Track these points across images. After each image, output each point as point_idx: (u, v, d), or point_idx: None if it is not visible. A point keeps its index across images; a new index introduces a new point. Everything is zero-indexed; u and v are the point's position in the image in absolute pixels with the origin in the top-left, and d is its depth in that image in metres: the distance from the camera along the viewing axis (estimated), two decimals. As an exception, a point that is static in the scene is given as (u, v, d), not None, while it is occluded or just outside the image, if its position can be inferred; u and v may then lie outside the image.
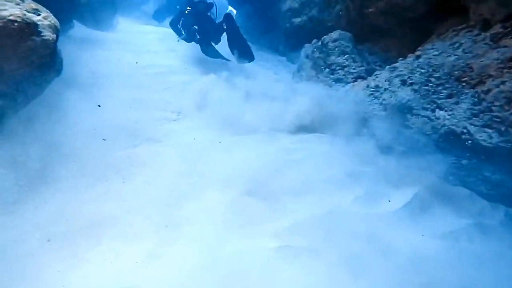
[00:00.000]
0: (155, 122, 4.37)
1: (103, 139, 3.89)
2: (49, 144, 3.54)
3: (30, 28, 2.80)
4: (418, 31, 4.76)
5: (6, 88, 2.84)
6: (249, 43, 11.08)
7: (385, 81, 4.12)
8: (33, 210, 3.12)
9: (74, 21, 9.59)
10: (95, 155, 3.72)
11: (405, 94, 3.80)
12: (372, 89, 4.33)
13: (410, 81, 3.85)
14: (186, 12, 7.21)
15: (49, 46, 3.04)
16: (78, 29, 9.44)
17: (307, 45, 6.19)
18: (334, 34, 5.23)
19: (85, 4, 10.32)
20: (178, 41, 7.52)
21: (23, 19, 2.72)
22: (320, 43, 5.47)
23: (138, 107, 4.58)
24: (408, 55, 4.23)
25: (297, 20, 7.32)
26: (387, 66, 4.47)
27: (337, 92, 4.82)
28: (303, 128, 4.42)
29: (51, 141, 3.58)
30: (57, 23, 3.22)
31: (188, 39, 7.37)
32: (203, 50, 7.23)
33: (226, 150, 4.03)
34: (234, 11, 14.57)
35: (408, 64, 4.05)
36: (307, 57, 5.87)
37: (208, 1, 7.28)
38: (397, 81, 3.93)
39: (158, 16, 10.18)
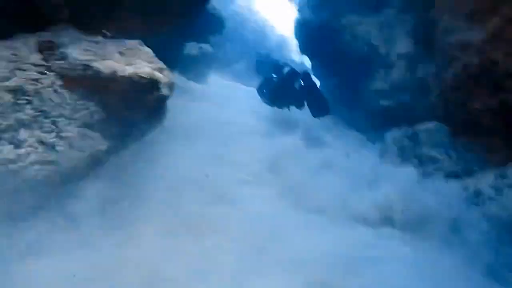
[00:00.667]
0: (230, 182, 4.34)
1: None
2: (134, 188, 3.64)
3: (155, 85, 3.20)
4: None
5: (119, 131, 3.13)
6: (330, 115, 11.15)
7: (491, 187, 3.63)
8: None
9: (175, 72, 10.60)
10: (171, 206, 3.73)
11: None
12: (471, 194, 3.84)
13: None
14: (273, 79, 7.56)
15: (163, 100, 3.55)
16: (179, 79, 10.39)
17: (394, 129, 5.92)
18: (430, 124, 4.93)
19: (186, 58, 11.46)
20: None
21: (151, 77, 3.15)
22: (411, 130, 5.16)
23: (217, 163, 4.63)
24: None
25: (385, 102, 7.15)
26: (493, 170, 3.98)
27: (426, 187, 4.38)
28: (385, 221, 4.01)
29: (137, 185, 3.68)
30: (174, 82, 3.69)
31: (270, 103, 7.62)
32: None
33: (299, 229, 3.77)
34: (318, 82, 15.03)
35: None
36: (393, 142, 5.56)
37: (293, 70, 7.41)
38: (510, 192, 3.44)
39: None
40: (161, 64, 3.54)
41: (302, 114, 9.45)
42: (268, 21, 18.00)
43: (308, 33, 9.96)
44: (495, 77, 4.30)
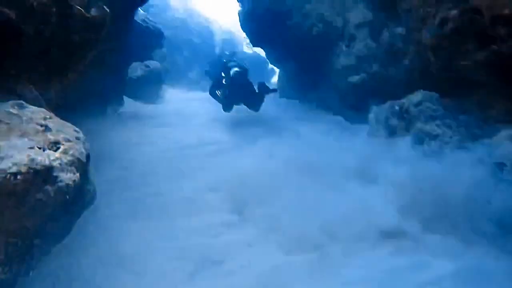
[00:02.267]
0: (211, 230, 3.39)
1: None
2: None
3: (41, 177, 1.89)
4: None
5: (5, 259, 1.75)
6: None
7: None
8: None
9: (124, 97, 9.49)
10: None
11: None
12: (495, 165, 3.12)
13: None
14: (223, 82, 7.19)
15: (69, 192, 2.03)
16: (128, 105, 9.27)
17: (375, 107, 5.17)
18: (416, 97, 4.17)
19: (135, 81, 10.33)
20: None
21: (30, 167, 1.81)
22: (397, 107, 4.41)
23: (190, 210, 3.69)
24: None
25: (354, 78, 6.39)
26: (502, 130, 3.29)
27: (436, 168, 3.63)
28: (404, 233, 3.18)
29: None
30: (84, 152, 2.33)
31: (226, 109, 7.34)
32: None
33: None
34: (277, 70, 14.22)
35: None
36: (378, 122, 4.81)
37: (241, 68, 7.12)
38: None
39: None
40: (54, 134, 2.22)
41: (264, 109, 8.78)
42: (211, 20, 16.93)
43: (254, 24, 9.05)
44: (481, 27, 3.57)
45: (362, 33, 6.21)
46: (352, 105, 7.14)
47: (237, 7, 10.48)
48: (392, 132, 4.42)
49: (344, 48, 6.66)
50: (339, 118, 7.88)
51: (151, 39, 7.38)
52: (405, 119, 4.20)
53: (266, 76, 16.18)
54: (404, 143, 4.18)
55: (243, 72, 7.07)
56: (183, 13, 15.27)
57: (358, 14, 6.39)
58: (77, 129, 2.42)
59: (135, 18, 6.88)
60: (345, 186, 3.98)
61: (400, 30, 5.20)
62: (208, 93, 8.28)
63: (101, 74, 6.81)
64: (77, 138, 2.29)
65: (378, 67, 5.85)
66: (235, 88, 6.92)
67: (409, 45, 4.87)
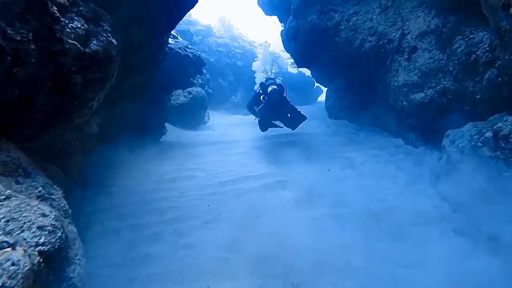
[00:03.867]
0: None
1: None
2: None
3: None
4: None
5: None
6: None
7: None
8: None
9: (166, 124, 9.23)
10: None
11: None
12: None
13: None
14: (262, 100, 7.17)
15: None
16: (171, 132, 8.96)
17: (452, 132, 4.07)
18: (519, 118, 3.04)
19: (177, 108, 10.05)
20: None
21: None
22: (491, 133, 3.30)
23: (226, 269, 2.88)
24: None
25: (419, 95, 5.30)
26: None
27: None
28: None
29: None
30: (55, 247, 1.56)
31: (262, 129, 7.46)
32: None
33: None
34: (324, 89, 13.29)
35: None
36: (462, 152, 3.70)
37: (278, 87, 7.02)
38: None
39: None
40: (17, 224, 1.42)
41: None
42: (255, 42, 16.60)
43: (298, 43, 8.32)
44: None
45: (425, 44, 5.16)
46: (415, 126, 6.01)
47: (280, 28, 9.91)
48: (486, 165, 3.30)
49: (403, 62, 5.62)
50: (398, 141, 6.74)
51: (191, 67, 6.91)
52: (504, 150, 3.09)
53: (312, 96, 15.30)
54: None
55: (280, 90, 6.95)
56: (227, 38, 15.11)
57: (419, 22, 5.36)
58: (49, 210, 1.66)
59: (173, 47, 6.48)
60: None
61: (482, 35, 4.10)
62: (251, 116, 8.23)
63: (136, 107, 6.47)
64: (41, 229, 1.51)
65: (450, 82, 4.74)
66: (271, 105, 6.97)
67: (501, 52, 3.75)
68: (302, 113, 7.31)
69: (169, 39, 6.85)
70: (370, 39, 6.25)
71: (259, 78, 8.66)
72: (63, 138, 3.61)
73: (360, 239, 3.13)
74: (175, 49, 6.44)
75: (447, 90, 4.82)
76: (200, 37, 13.45)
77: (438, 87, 4.95)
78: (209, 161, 6.46)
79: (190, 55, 6.70)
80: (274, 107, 7.01)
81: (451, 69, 4.65)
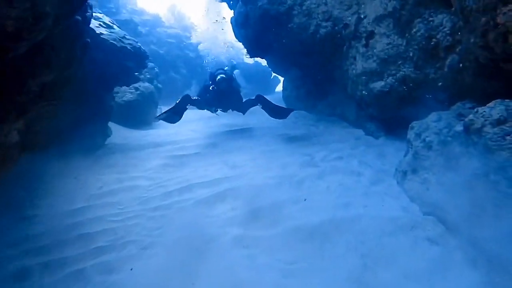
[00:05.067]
0: None
1: None
2: None
3: None
4: None
5: None
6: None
7: None
8: None
9: (111, 124, 8.24)
10: None
11: None
12: None
13: None
14: (210, 89, 7.06)
15: None
16: (117, 133, 8.00)
17: (416, 124, 3.67)
18: (494, 110, 2.63)
19: (124, 106, 9.04)
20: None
21: None
22: (461, 127, 2.89)
23: None
24: None
25: (378, 84, 4.89)
26: None
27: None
28: None
29: None
30: None
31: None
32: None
33: None
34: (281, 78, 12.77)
35: None
36: (429, 148, 3.29)
37: (228, 76, 6.98)
38: None
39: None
40: None
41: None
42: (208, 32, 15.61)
43: (250, 30, 7.65)
44: None
45: (383, 29, 4.72)
46: (374, 116, 5.64)
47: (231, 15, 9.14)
48: (456, 164, 2.89)
49: (361, 49, 5.17)
50: (358, 131, 6.38)
51: (130, 60, 6.01)
52: (477, 145, 2.68)
53: (270, 86, 14.75)
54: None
55: (228, 78, 6.91)
56: (176, 28, 14.00)
57: (376, 5, 4.92)
58: None
59: (107, 38, 5.53)
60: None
61: (441, 17, 3.70)
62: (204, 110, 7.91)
63: (67, 109, 5.53)
64: None
65: (410, 69, 4.34)
66: (219, 94, 6.95)
67: (464, 35, 3.35)
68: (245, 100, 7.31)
69: (103, 29, 5.88)
70: (325, 24, 5.74)
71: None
72: None
73: (326, 259, 2.61)
74: (109, 41, 5.51)
75: (407, 78, 4.43)
76: (147, 28, 12.28)
77: (398, 74, 4.56)
78: (156, 166, 5.67)
79: (128, 47, 5.79)
80: (221, 96, 6.96)
81: (411, 55, 4.25)
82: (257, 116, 9.47)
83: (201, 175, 5.02)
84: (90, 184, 5.05)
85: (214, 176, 4.85)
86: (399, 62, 4.50)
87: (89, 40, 4.01)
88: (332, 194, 3.86)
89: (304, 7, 6.09)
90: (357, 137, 6.09)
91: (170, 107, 7.61)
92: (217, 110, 7.50)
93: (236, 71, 7.78)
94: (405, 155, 3.77)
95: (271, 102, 7.30)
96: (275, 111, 7.26)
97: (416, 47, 4.09)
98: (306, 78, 8.50)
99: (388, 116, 5.32)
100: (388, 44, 4.61)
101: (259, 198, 3.84)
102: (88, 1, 3.75)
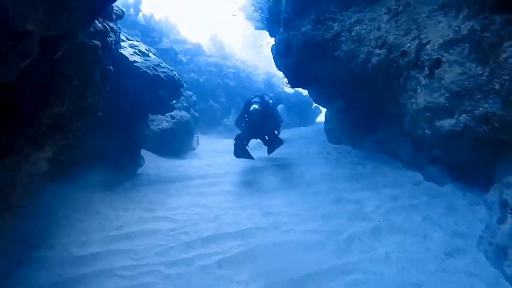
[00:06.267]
0: None
1: None
2: None
3: None
4: None
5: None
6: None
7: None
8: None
9: (145, 152, 7.91)
10: None
11: None
12: None
13: None
14: (246, 119, 6.80)
15: None
16: (150, 163, 7.61)
17: (499, 186, 2.66)
18: None
19: (159, 134, 8.73)
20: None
21: None
22: None
23: None
24: None
25: (448, 123, 3.94)
26: None
27: None
28: None
29: None
30: None
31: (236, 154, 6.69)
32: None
33: None
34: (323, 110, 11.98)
35: None
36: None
37: (261, 107, 6.50)
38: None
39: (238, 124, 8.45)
40: None
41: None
42: (248, 61, 15.41)
43: (291, 60, 7.04)
44: None
45: (454, 55, 3.83)
46: (439, 159, 4.63)
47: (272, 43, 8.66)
48: None
49: (423, 80, 4.29)
50: (416, 175, 5.33)
51: (163, 89, 5.62)
52: None
53: (310, 117, 13.98)
54: None
55: (262, 110, 6.44)
56: (217, 57, 13.90)
57: (442, 28, 4.06)
58: None
59: (140, 66, 5.18)
60: None
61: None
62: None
63: (98, 137, 5.20)
64: None
65: (496, 104, 3.37)
66: (250, 125, 6.63)
67: None
68: (278, 137, 6.94)
69: (137, 56, 5.57)
70: (377, 52, 4.94)
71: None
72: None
73: None
74: (142, 69, 5.14)
75: (491, 116, 3.45)
76: (188, 57, 12.26)
77: (477, 111, 3.59)
78: (184, 205, 5.06)
79: (161, 75, 5.39)
80: (253, 128, 6.64)
81: (497, 87, 3.30)
82: (297, 148, 8.71)
83: (231, 221, 4.29)
84: (110, 222, 4.55)
85: (245, 224, 4.09)
86: (478, 96, 3.55)
87: (111, 67, 3.57)
88: (393, 265, 2.91)
89: (353, 33, 5.36)
90: (416, 182, 5.06)
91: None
92: (248, 143, 7.03)
93: (280, 106, 7.72)
94: (500, 221, 2.75)
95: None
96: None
97: (506, 77, 3.15)
98: (352, 110, 7.64)
99: (458, 160, 4.30)
100: (461, 74, 3.70)
101: (296, 265, 2.99)
102: (111, 25, 3.33)
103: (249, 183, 5.95)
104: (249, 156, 6.47)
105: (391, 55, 4.78)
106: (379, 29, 5.01)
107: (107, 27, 3.07)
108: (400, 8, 4.63)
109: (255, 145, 8.31)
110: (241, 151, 6.48)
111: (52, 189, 4.89)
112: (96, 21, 2.92)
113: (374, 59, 5.01)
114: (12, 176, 3.26)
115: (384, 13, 4.95)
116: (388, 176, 5.65)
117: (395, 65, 4.76)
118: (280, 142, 6.86)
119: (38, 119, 2.80)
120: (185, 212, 4.80)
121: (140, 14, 9.90)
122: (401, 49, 4.60)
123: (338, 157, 7.46)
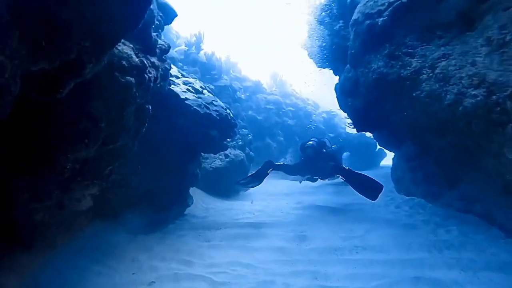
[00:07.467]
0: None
1: None
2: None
3: None
4: None
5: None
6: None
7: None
8: None
9: (197, 190, 7.48)
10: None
11: None
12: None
13: None
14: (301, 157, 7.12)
15: None
16: (199, 202, 7.14)
17: None
18: None
19: (211, 173, 8.33)
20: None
21: None
22: None
23: None
24: None
25: None
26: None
27: None
28: None
29: None
30: None
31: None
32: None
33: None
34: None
35: None
36: None
37: (316, 144, 6.95)
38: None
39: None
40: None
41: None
42: (309, 100, 14.77)
43: (358, 100, 6.17)
44: None
45: None
46: None
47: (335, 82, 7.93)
48: None
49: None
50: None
51: (215, 128, 5.16)
52: None
53: (374, 160, 12.61)
54: None
55: (317, 146, 6.86)
56: (277, 95, 13.53)
57: None
58: None
59: (191, 103, 4.82)
60: None
61: None
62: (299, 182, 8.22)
63: (143, 178, 4.86)
64: None
65: None
66: (306, 161, 6.91)
67: None
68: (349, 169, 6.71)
69: (190, 93, 5.24)
70: (473, 92, 3.89)
71: None
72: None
73: None
74: (193, 107, 4.76)
75: None
76: (248, 94, 12.07)
77: None
78: (225, 261, 4.30)
79: (213, 114, 4.95)
80: (308, 163, 6.86)
81: None
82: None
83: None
84: (143, 275, 3.97)
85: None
86: None
87: (149, 106, 3.13)
88: None
89: (437, 70, 4.39)
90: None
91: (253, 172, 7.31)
92: (304, 178, 7.41)
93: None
94: None
95: (356, 173, 6.53)
96: (363, 186, 6.27)
97: None
98: (426, 157, 6.41)
99: None
100: None
101: None
102: (153, 60, 2.92)
103: (304, 238, 5.03)
104: (249, 186, 6.95)
105: (493, 96, 3.69)
106: (473, 64, 3.99)
107: (145, 62, 2.66)
108: (508, 37, 3.59)
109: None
110: (253, 177, 6.75)
111: (92, 228, 4.57)
112: (132, 55, 2.52)
113: (467, 102, 3.95)
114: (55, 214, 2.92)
115: (482, 45, 3.94)
116: (483, 247, 4.29)
117: (499, 108, 3.66)
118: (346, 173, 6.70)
119: (61, 164, 2.38)
120: (225, 271, 4.03)
121: (202, 52, 10.09)
122: (510, 89, 3.51)
123: (411, 213, 6.20)
